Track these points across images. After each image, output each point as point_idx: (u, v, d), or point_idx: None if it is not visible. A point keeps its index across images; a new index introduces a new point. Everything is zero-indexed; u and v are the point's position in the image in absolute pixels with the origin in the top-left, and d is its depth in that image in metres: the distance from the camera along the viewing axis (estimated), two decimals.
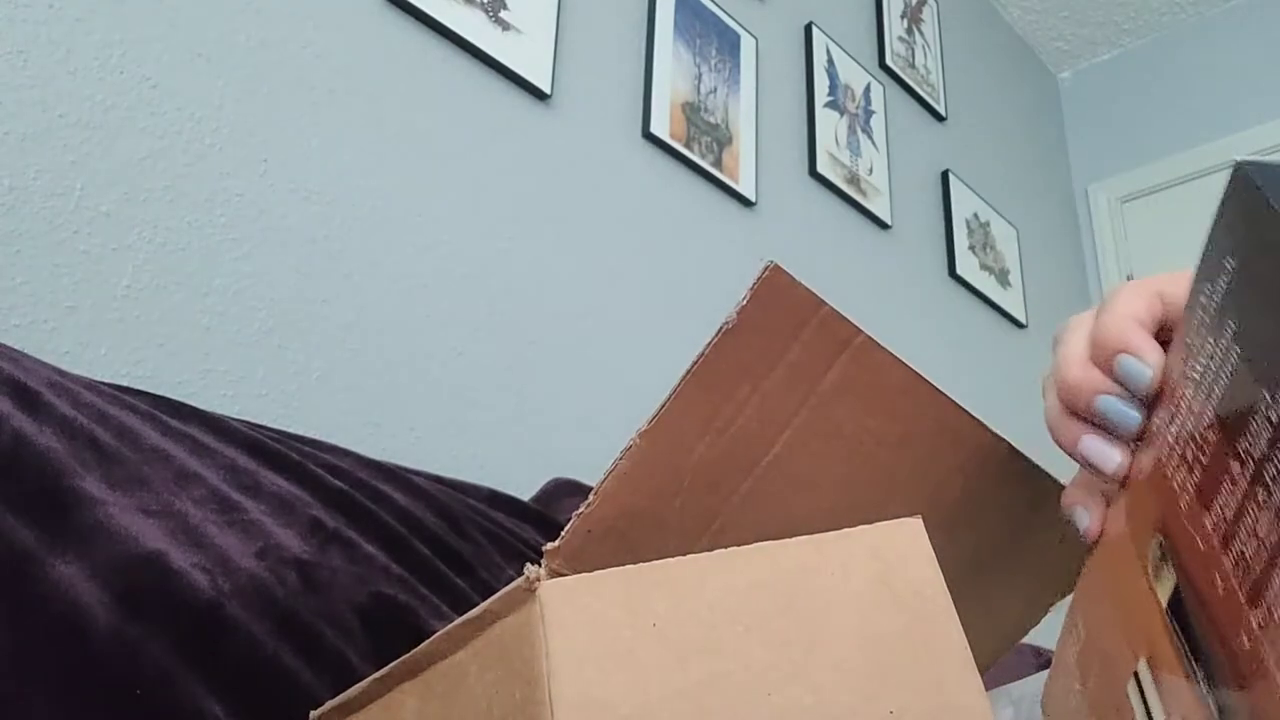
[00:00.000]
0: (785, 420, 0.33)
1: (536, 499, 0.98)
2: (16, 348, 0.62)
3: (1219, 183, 0.24)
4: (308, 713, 0.50)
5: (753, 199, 1.56)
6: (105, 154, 0.88)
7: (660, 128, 1.43)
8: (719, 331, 0.30)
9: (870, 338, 0.33)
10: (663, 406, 0.30)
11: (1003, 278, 2.13)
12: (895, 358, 0.33)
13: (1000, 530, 0.41)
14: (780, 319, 0.31)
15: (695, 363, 0.30)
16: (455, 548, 0.73)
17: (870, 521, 0.32)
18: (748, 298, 0.30)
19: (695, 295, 1.42)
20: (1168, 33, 2.55)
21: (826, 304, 0.32)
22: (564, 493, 0.99)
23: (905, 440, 0.35)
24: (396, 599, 0.63)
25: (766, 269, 0.30)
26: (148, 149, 0.91)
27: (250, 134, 0.99)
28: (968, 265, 2.02)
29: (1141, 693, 0.29)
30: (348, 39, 1.10)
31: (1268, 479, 0.22)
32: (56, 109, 0.86)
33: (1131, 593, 0.29)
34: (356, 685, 0.43)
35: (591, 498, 0.30)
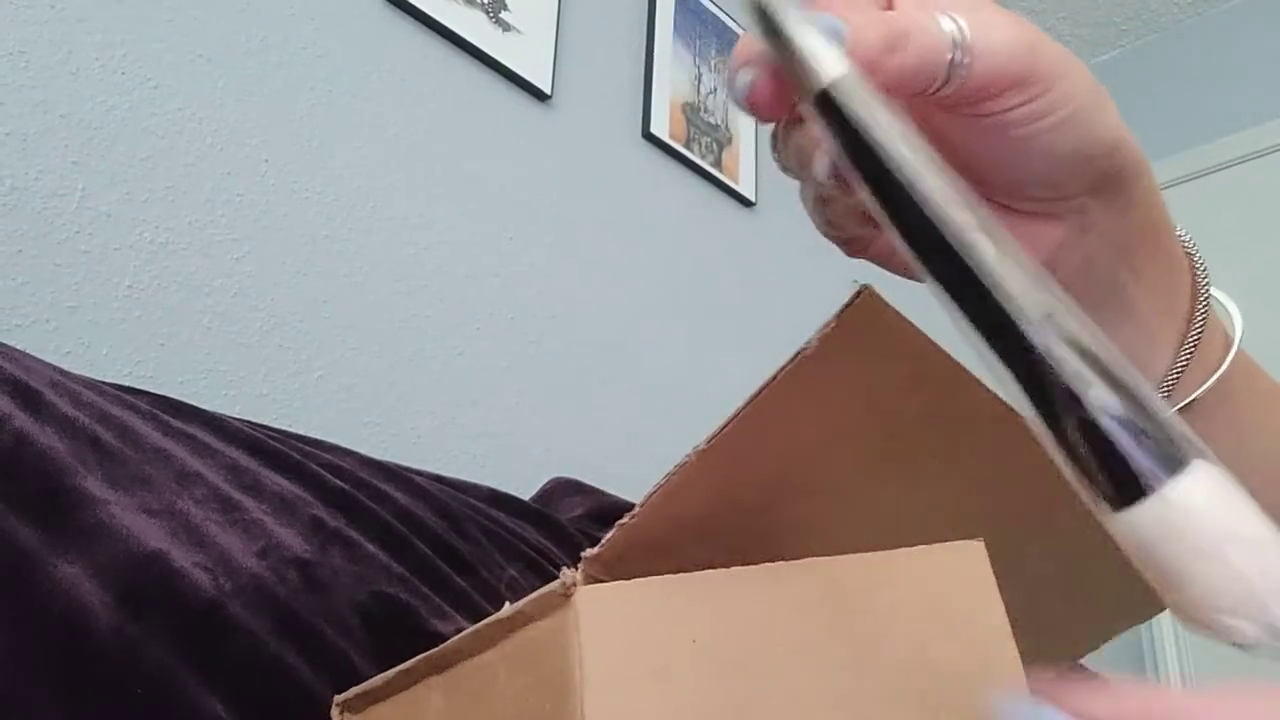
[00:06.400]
0: (856, 450, 0.30)
1: (536, 498, 0.98)
2: (18, 347, 0.62)
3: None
4: (308, 711, 0.50)
5: (753, 199, 1.56)
6: (106, 154, 0.88)
7: (660, 128, 1.43)
8: (796, 357, 0.26)
9: (965, 369, 0.29)
10: (723, 427, 0.27)
11: None
12: (989, 391, 0.29)
13: (1069, 561, 0.38)
14: (867, 348, 0.27)
15: (764, 386, 0.27)
16: (456, 547, 0.73)
17: None
18: (834, 324, 0.26)
19: (695, 295, 1.42)
20: (1166, 33, 2.54)
21: (923, 334, 0.28)
22: (564, 492, 0.99)
23: (987, 481, 0.32)
24: (397, 598, 0.63)
25: (859, 293, 0.26)
26: (149, 149, 0.91)
27: (251, 134, 0.99)
28: None
29: None
30: (348, 39, 1.10)
31: None
32: (58, 109, 0.86)
33: None
34: (381, 675, 0.43)
35: (637, 509, 0.28)
